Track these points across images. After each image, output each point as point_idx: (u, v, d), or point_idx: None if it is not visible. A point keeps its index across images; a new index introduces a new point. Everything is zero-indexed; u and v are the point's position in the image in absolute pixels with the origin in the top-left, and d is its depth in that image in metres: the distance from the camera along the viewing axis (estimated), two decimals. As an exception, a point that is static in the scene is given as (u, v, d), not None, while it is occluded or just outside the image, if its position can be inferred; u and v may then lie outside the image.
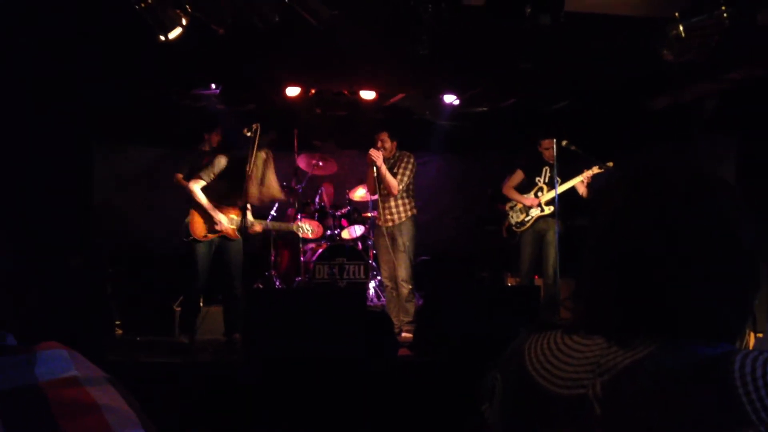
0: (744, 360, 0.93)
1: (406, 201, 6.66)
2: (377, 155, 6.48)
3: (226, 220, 5.90)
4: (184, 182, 6.59)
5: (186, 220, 5.95)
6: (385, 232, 6.65)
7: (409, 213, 6.65)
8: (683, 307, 1.01)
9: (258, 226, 6.21)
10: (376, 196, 6.85)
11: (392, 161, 6.66)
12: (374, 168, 6.52)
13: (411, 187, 6.71)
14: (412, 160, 6.67)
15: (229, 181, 5.88)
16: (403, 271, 6.55)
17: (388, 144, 6.63)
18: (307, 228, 6.66)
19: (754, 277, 1.04)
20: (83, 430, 0.69)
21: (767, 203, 6.37)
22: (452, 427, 4.43)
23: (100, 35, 5.79)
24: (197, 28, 5.29)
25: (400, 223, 6.60)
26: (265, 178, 5.89)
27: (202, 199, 5.88)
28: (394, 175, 6.57)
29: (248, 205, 6.00)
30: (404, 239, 6.57)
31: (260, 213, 6.70)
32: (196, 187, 5.89)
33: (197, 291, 6.01)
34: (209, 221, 5.90)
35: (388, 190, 6.57)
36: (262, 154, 5.83)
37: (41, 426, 0.68)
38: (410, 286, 6.55)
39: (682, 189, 1.04)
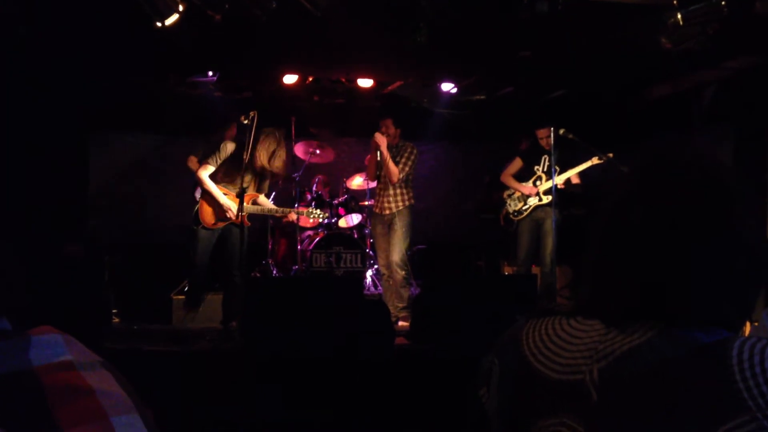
0: (742, 347, 0.93)
1: (405, 191, 6.66)
2: (382, 139, 6.46)
3: (236, 206, 5.88)
4: (195, 166, 6.59)
5: (195, 208, 5.93)
6: (381, 221, 6.66)
7: (407, 203, 6.65)
8: (684, 296, 1.01)
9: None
10: (374, 183, 6.84)
11: (395, 150, 6.65)
12: (377, 152, 6.50)
13: (411, 177, 6.71)
14: (415, 151, 6.67)
15: (238, 168, 5.85)
16: (396, 256, 6.56)
17: (392, 130, 6.62)
18: (317, 213, 6.63)
19: (757, 273, 1.04)
20: (77, 413, 0.69)
21: (764, 190, 6.40)
22: (450, 415, 4.44)
23: (96, 22, 5.76)
24: (194, 14, 5.27)
25: (397, 212, 6.60)
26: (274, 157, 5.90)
27: (211, 186, 5.86)
28: (396, 163, 6.56)
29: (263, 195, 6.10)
30: (401, 226, 6.57)
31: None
32: (204, 174, 5.87)
33: (199, 268, 6.00)
34: (219, 209, 5.89)
35: (387, 177, 6.56)
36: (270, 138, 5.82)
37: (35, 410, 0.68)
38: (403, 272, 6.55)
39: (691, 180, 1.04)
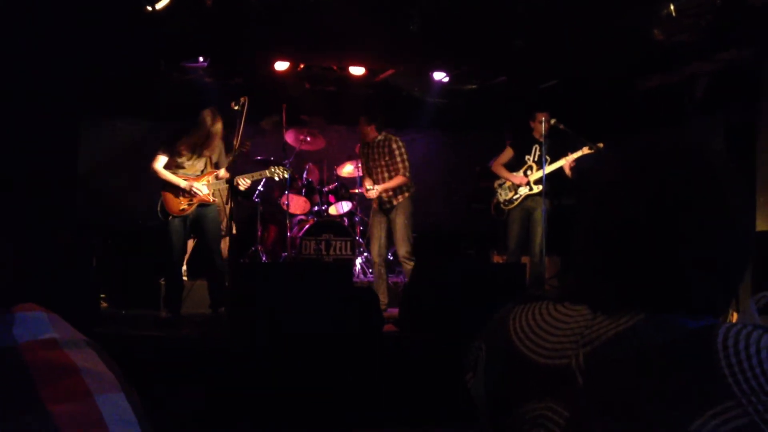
0: (727, 333, 0.93)
1: (401, 183, 6.69)
2: (371, 193, 6.66)
3: (199, 184, 5.87)
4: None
5: (159, 202, 5.92)
6: (380, 211, 6.68)
7: (407, 193, 6.67)
8: (671, 280, 1.01)
9: (245, 181, 6.22)
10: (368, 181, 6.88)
11: (375, 145, 6.67)
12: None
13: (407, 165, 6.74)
14: (400, 143, 6.67)
15: (191, 150, 5.85)
16: (403, 249, 6.60)
17: (365, 128, 6.66)
18: (280, 171, 6.56)
19: (744, 256, 1.04)
20: (62, 392, 0.68)
21: (753, 182, 6.42)
22: (437, 401, 4.45)
23: (86, 7, 5.72)
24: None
25: (398, 204, 6.63)
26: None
27: (168, 175, 5.85)
28: (385, 165, 6.62)
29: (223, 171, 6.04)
30: (403, 218, 6.59)
31: (248, 189, 6.67)
32: (158, 165, 5.87)
33: (176, 266, 6.01)
34: (183, 194, 5.87)
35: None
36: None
37: (19, 387, 0.68)
38: (413, 263, 6.55)
39: (680, 164, 1.04)
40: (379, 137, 6.69)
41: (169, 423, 3.86)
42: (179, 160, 5.91)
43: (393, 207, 6.63)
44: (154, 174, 5.90)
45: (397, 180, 6.57)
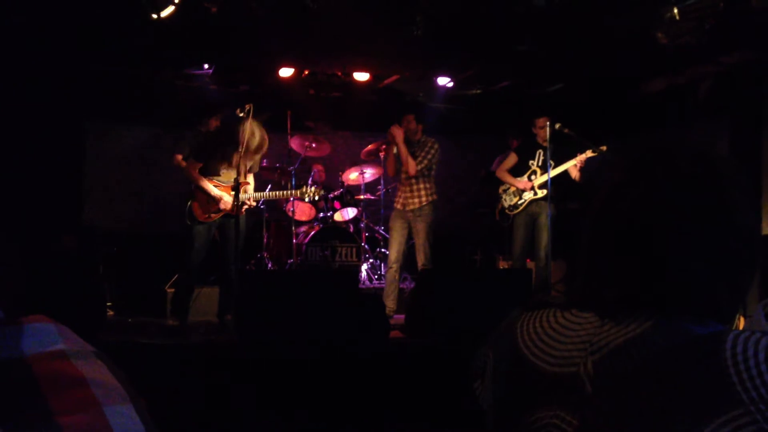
0: (736, 340, 0.93)
1: (427, 186, 6.67)
2: (398, 132, 6.50)
3: (228, 197, 5.85)
4: (183, 164, 6.54)
5: (188, 203, 5.89)
6: (402, 215, 6.67)
7: (429, 198, 6.65)
8: (678, 285, 1.00)
9: (251, 201, 6.19)
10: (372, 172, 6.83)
11: (417, 145, 6.66)
12: (394, 146, 6.56)
13: (433, 172, 6.71)
14: (436, 146, 6.67)
15: (222, 159, 5.84)
16: (422, 256, 6.59)
17: (413, 126, 6.64)
18: (312, 192, 6.52)
19: (752, 260, 1.04)
20: (70, 403, 0.68)
21: (759, 185, 6.40)
22: (444, 408, 4.44)
23: (92, 13, 5.74)
24: (190, 6, 5.26)
25: (420, 208, 6.60)
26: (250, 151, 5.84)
27: (201, 180, 5.83)
28: (415, 157, 6.58)
29: (250, 181, 6.02)
30: (424, 225, 6.58)
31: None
32: (193, 170, 5.85)
33: (193, 272, 5.96)
34: (211, 202, 5.86)
35: (405, 170, 6.58)
36: (249, 128, 5.72)
37: (28, 399, 0.68)
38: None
39: (685, 166, 1.04)
40: (422, 138, 6.70)
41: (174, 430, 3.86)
42: (215, 167, 5.89)
43: (414, 211, 6.61)
44: (188, 177, 5.88)
45: (409, 160, 6.52)
